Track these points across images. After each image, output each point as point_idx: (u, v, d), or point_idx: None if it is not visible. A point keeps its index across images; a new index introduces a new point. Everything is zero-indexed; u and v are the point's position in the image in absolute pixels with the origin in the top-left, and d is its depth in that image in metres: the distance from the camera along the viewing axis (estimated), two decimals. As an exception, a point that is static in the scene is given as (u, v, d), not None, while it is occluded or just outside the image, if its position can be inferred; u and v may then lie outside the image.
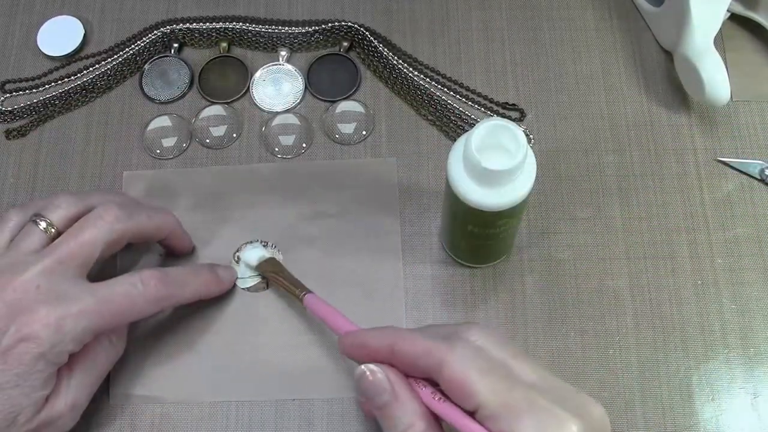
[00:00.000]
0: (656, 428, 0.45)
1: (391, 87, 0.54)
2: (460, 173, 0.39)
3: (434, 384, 0.35)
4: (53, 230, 0.41)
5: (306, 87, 0.55)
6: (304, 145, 0.53)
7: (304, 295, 0.44)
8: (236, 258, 0.49)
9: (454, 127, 0.53)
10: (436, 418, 0.35)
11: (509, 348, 0.35)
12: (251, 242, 0.50)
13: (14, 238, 0.42)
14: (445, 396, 0.34)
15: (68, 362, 0.40)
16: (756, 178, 0.51)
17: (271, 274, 0.48)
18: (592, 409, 0.33)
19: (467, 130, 0.44)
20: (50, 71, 0.56)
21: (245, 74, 0.55)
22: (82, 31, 0.56)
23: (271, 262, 0.48)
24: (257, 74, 0.55)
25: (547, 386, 0.33)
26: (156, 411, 0.46)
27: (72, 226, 0.41)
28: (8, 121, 0.55)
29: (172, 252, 0.49)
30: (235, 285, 0.49)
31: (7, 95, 0.55)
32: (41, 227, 0.41)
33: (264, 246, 0.49)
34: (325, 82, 0.55)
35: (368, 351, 0.37)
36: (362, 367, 0.36)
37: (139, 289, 0.41)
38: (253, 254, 0.49)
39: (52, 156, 0.53)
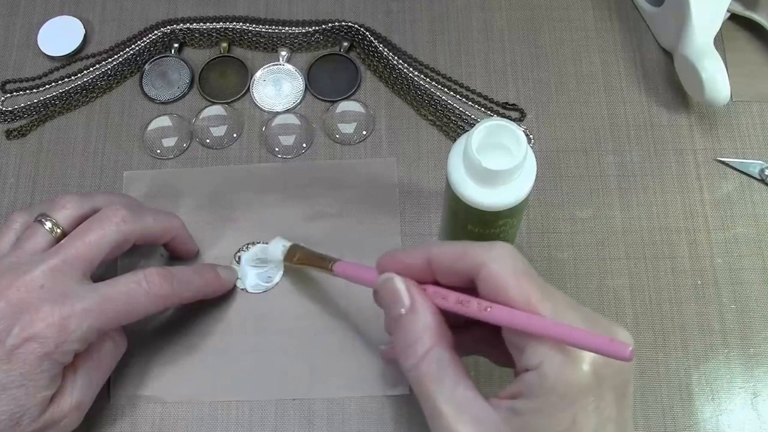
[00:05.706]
0: (656, 428, 0.45)
1: (391, 87, 0.54)
2: (460, 173, 0.39)
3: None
4: (59, 230, 0.41)
5: (306, 87, 0.55)
6: (304, 145, 0.53)
7: (333, 264, 0.43)
8: (236, 258, 0.49)
9: (454, 127, 0.53)
10: (457, 342, 0.35)
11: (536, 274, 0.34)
12: (252, 243, 0.50)
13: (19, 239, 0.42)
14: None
15: (73, 362, 0.40)
16: (756, 178, 0.51)
17: (299, 261, 0.47)
18: (618, 332, 0.33)
19: (467, 130, 0.44)
20: (50, 71, 0.56)
21: (245, 74, 0.55)
22: (83, 31, 0.56)
23: (293, 248, 0.47)
24: (257, 74, 0.55)
25: (573, 305, 0.33)
26: (156, 411, 0.46)
27: (78, 227, 0.41)
28: (8, 121, 0.55)
29: (177, 255, 0.49)
30: (235, 285, 0.49)
31: (8, 95, 0.55)
32: (47, 227, 0.41)
33: (282, 237, 0.48)
34: (325, 82, 0.55)
35: (405, 266, 0.36)
36: (385, 274, 0.37)
37: (143, 287, 0.41)
38: (276, 248, 0.48)
39: (52, 156, 0.53)
